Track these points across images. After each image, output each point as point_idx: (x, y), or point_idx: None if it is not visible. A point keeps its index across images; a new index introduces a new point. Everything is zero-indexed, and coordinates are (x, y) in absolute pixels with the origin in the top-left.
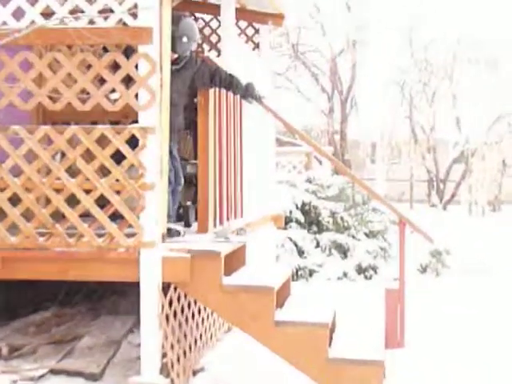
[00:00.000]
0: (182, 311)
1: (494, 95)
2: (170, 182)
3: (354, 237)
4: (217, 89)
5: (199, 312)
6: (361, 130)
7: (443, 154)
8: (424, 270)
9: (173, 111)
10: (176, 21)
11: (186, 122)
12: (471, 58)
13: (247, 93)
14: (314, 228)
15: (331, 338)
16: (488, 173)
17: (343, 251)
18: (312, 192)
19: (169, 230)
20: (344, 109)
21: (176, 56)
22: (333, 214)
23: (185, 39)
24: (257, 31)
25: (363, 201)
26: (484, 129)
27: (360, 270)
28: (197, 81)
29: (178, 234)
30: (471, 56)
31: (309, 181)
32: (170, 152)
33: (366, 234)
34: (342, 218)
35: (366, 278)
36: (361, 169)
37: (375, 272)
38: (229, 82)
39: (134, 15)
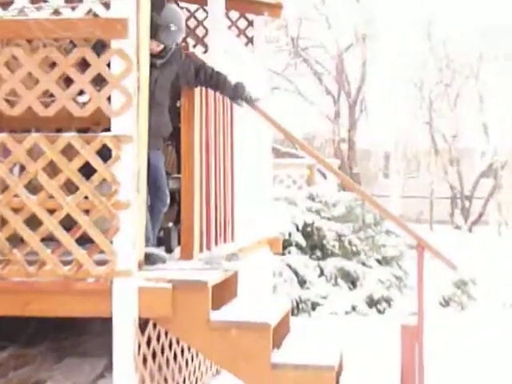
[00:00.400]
0: (163, 352)
1: None
2: (157, 199)
3: (364, 264)
4: (203, 90)
5: (183, 352)
6: (372, 138)
7: (468, 166)
8: (446, 302)
9: (156, 112)
10: (159, 7)
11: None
12: (500, 55)
13: (236, 93)
14: (318, 253)
15: (338, 383)
16: None
17: (351, 280)
18: (315, 211)
19: (148, 255)
20: (352, 113)
21: (161, 48)
22: (339, 237)
23: (173, 27)
24: (250, 23)
25: (375, 221)
26: None
27: (371, 302)
28: (181, 77)
29: (163, 260)
30: (500, 52)
31: (311, 198)
32: (150, 162)
33: (379, 261)
34: (349, 242)
35: (378, 311)
36: (372, 184)
37: (389, 305)
38: (215, 80)
39: (107, 5)
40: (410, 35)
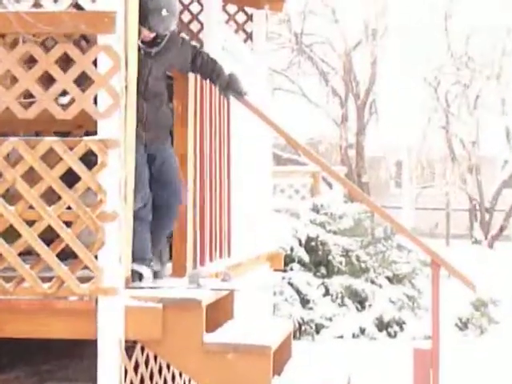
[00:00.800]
0: (151, 378)
1: None
2: (146, 211)
3: (373, 282)
4: (197, 91)
5: (173, 379)
6: (382, 143)
7: (489, 175)
8: (464, 325)
9: (153, 104)
10: None
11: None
12: None
13: (229, 85)
14: (323, 270)
15: None
16: None
17: (359, 300)
18: (319, 224)
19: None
20: (361, 117)
21: (153, 35)
22: (346, 253)
23: (164, 12)
24: (250, 18)
25: (385, 235)
26: None
27: (381, 324)
28: (176, 63)
29: (140, 278)
30: None
31: (315, 209)
32: (157, 159)
33: (389, 279)
34: (357, 258)
35: (389, 335)
36: (383, 194)
37: (401, 328)
38: (211, 68)
39: None
40: (425, 30)
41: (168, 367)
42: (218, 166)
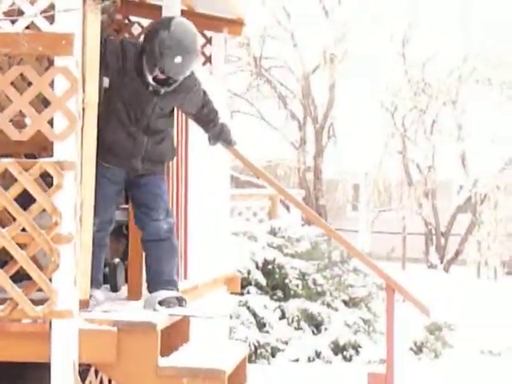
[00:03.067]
0: None
1: (511, 125)
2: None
3: (329, 305)
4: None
5: None
6: (340, 167)
7: (445, 200)
8: (419, 349)
9: (153, 139)
10: (166, 23)
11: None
12: (481, 79)
13: (220, 135)
14: (279, 293)
15: None
16: (502, 225)
17: (315, 324)
18: (277, 247)
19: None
20: (319, 140)
21: (165, 76)
22: (303, 276)
23: (178, 60)
24: (209, 41)
25: (342, 259)
26: (497, 168)
27: (337, 348)
28: (184, 106)
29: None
30: (481, 76)
31: (273, 232)
32: (146, 189)
33: (345, 302)
34: (314, 281)
35: (344, 358)
36: (340, 217)
37: (356, 352)
38: (212, 118)
39: (51, 19)
40: (383, 56)
41: None
42: (176, 187)
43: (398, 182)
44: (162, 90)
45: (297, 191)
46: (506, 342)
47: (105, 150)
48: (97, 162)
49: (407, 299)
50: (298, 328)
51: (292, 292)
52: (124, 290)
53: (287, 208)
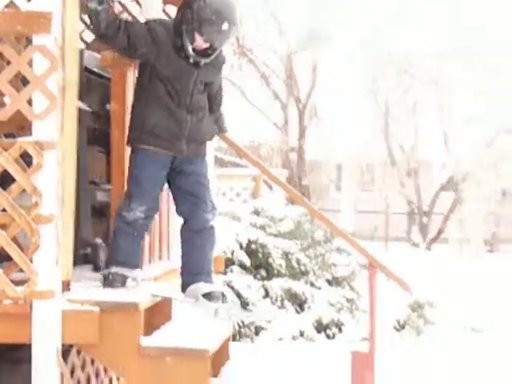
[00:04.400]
0: (88, 382)
1: (493, 106)
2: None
3: (312, 284)
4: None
5: (110, 382)
6: (323, 147)
7: (427, 179)
8: (401, 327)
9: (195, 116)
10: None
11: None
12: (465, 61)
13: (216, 121)
14: (263, 273)
15: None
16: (484, 203)
17: (299, 303)
18: (260, 227)
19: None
20: (302, 121)
21: (207, 45)
22: (286, 255)
23: (225, 26)
24: None
25: (325, 238)
26: (479, 148)
27: (320, 327)
28: (214, 81)
29: (123, 280)
30: (464, 58)
31: (256, 212)
32: (188, 171)
33: (329, 281)
34: (297, 261)
35: (327, 337)
36: (323, 197)
37: (339, 330)
38: (218, 102)
39: None
40: (366, 36)
41: (105, 371)
42: None
43: (381, 161)
44: (202, 61)
45: (280, 171)
46: (488, 318)
47: (149, 134)
48: (140, 147)
49: (389, 277)
50: (282, 307)
51: (275, 271)
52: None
53: (270, 188)
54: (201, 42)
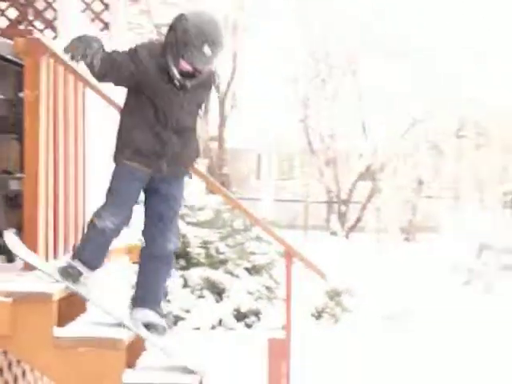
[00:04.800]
0: (1, 374)
1: (409, 95)
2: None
3: (231, 273)
4: (50, 76)
5: (24, 375)
6: (244, 136)
7: (346, 168)
8: (319, 315)
9: (181, 138)
10: (185, 16)
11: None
12: (380, 49)
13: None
14: (181, 262)
15: None
16: (400, 192)
17: (218, 292)
18: (179, 216)
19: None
20: (222, 109)
21: (190, 68)
22: (205, 245)
23: (206, 49)
24: (106, 7)
25: (244, 227)
26: (396, 137)
27: (239, 315)
28: (204, 102)
29: (78, 274)
30: (380, 47)
31: None
32: (163, 192)
33: (248, 270)
34: (216, 250)
35: (247, 325)
36: (244, 186)
37: (258, 318)
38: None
39: None
40: (286, 25)
41: (18, 363)
42: (74, 156)
43: (301, 150)
44: (189, 84)
45: (200, 160)
46: (405, 306)
47: (132, 151)
48: (122, 162)
49: (304, 264)
50: (201, 296)
51: (194, 260)
52: (20, 260)
53: (189, 176)
54: (185, 65)
